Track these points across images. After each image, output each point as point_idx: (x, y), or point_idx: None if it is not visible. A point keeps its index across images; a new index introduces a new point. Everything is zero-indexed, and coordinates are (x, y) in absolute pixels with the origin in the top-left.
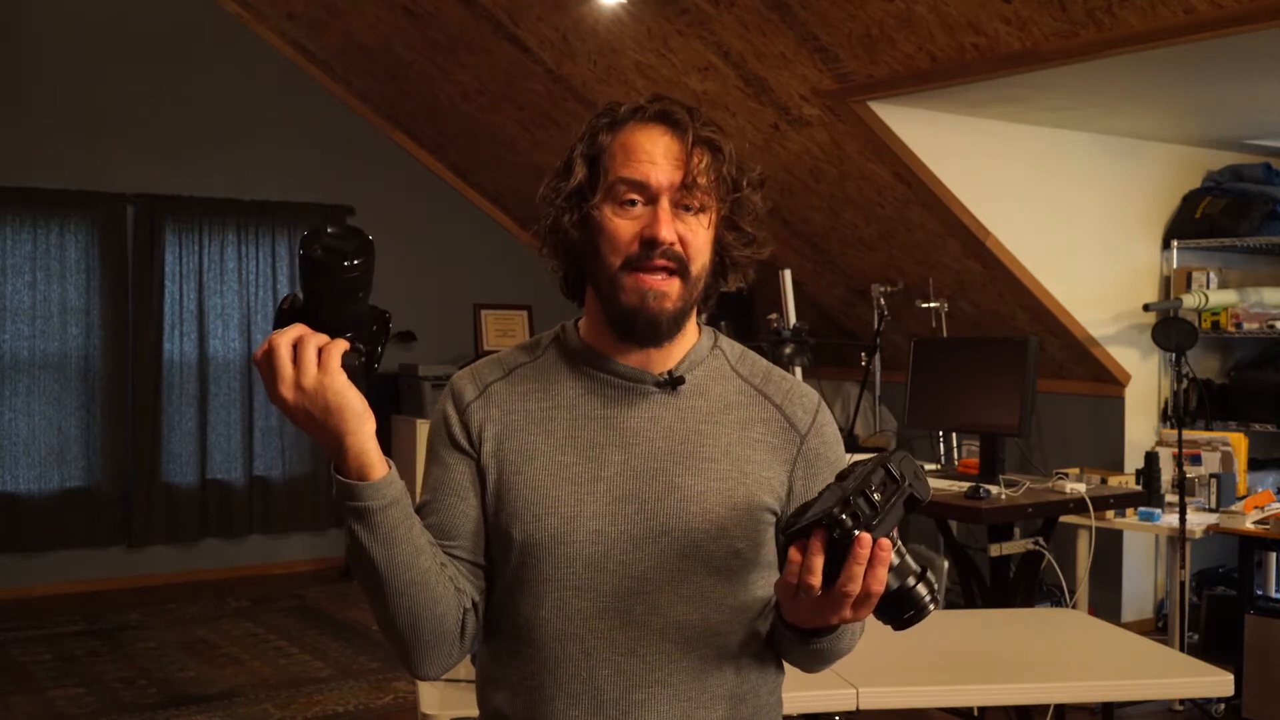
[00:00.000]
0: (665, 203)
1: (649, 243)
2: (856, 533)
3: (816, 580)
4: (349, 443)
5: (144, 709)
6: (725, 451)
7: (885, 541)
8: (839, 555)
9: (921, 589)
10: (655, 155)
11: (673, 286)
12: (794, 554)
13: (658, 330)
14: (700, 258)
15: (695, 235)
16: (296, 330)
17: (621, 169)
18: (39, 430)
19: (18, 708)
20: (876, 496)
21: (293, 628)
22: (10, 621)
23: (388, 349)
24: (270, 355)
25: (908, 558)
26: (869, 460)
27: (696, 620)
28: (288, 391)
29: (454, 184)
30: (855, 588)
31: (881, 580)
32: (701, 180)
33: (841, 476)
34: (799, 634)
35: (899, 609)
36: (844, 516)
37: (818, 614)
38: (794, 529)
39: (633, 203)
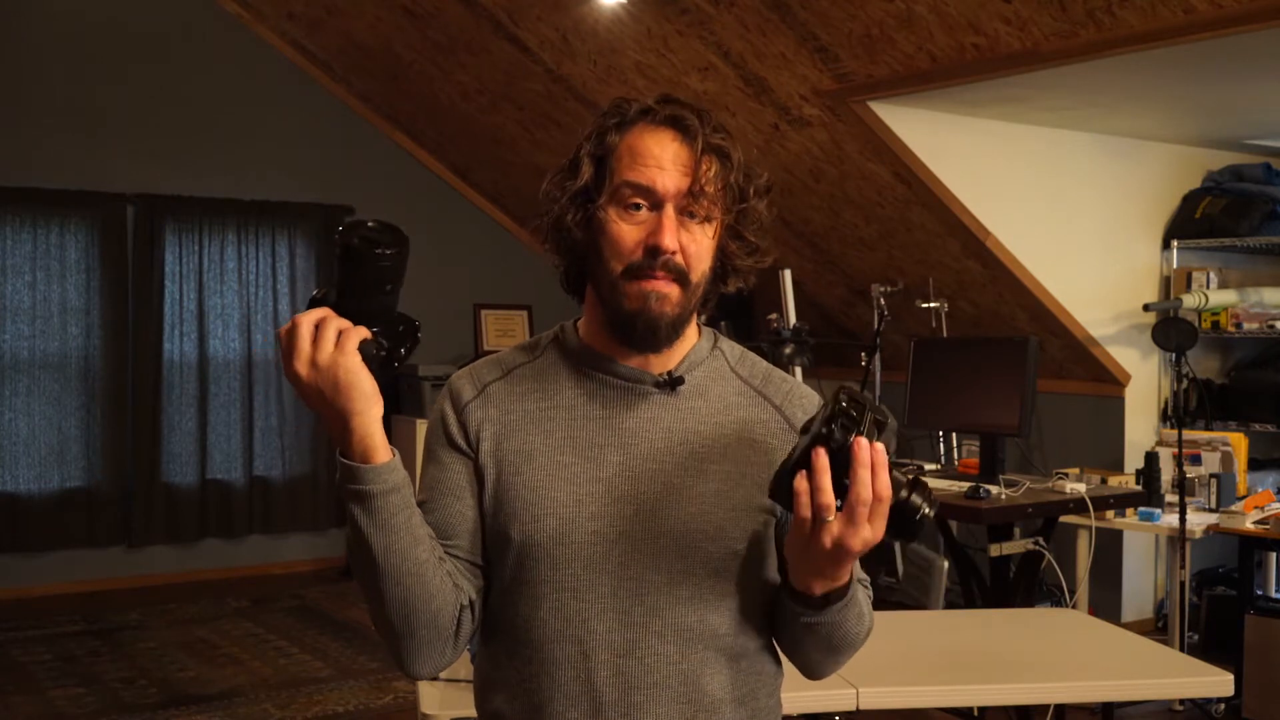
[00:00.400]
0: (670, 210)
1: (652, 250)
2: (853, 438)
3: (831, 499)
4: (355, 424)
5: (144, 709)
6: (724, 452)
7: (879, 445)
8: (841, 471)
9: (917, 497)
10: (663, 160)
11: (673, 290)
12: (800, 484)
13: (656, 334)
14: (700, 266)
15: (697, 244)
16: (320, 312)
17: (628, 172)
18: (39, 430)
19: (18, 708)
20: (853, 413)
21: (293, 628)
22: (10, 621)
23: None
24: (292, 331)
25: (894, 471)
26: (824, 403)
27: (695, 622)
28: (302, 367)
29: (454, 184)
30: (867, 493)
31: (887, 484)
32: (709, 189)
33: (805, 428)
34: (810, 607)
35: (906, 518)
36: (834, 429)
37: (837, 549)
38: (791, 463)
39: (637, 207)
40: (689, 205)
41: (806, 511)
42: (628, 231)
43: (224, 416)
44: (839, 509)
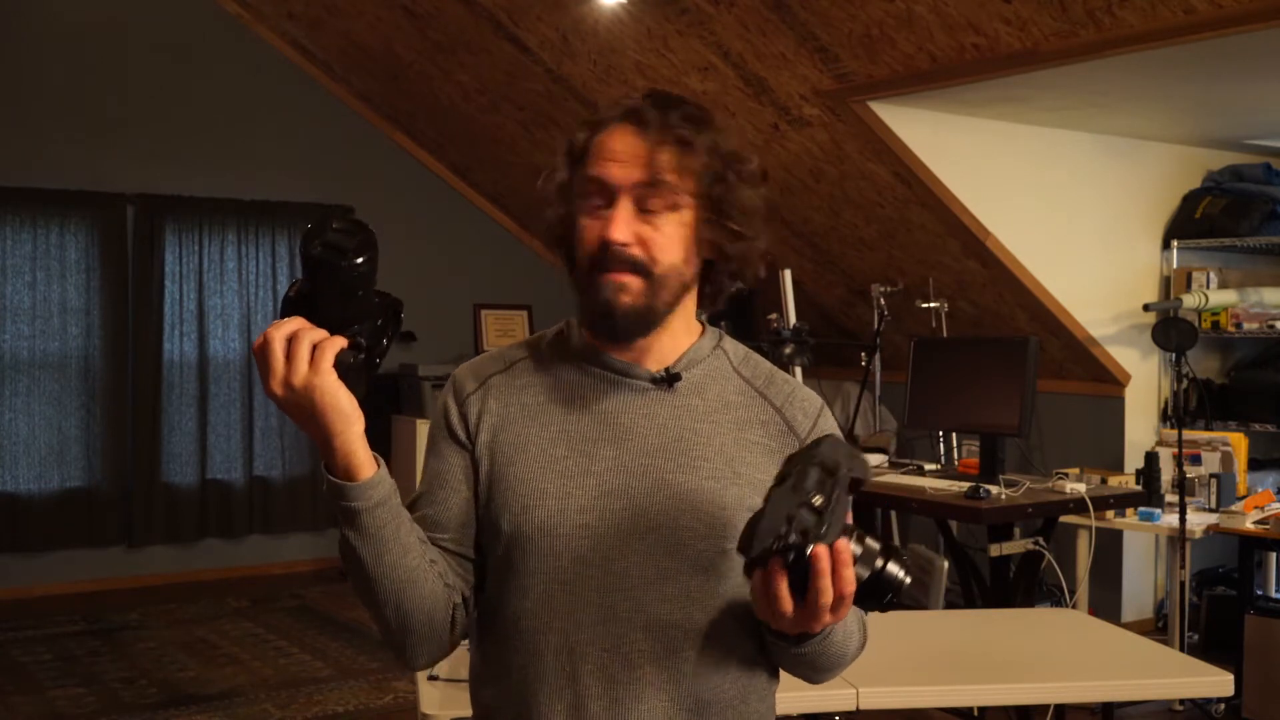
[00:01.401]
0: (624, 202)
1: (604, 244)
2: (809, 550)
3: (786, 605)
4: (336, 444)
5: (144, 709)
6: (719, 451)
7: (841, 544)
8: (801, 573)
9: (893, 567)
10: (618, 154)
11: (632, 281)
12: (756, 584)
13: (615, 324)
14: (666, 257)
15: (658, 233)
16: (293, 324)
17: (589, 168)
18: (39, 430)
19: (18, 708)
20: (817, 500)
21: (293, 628)
22: (10, 621)
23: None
24: (265, 348)
25: (868, 540)
26: (797, 461)
27: (681, 620)
28: (278, 387)
29: (454, 184)
30: (827, 598)
31: (850, 580)
32: (669, 178)
33: (780, 479)
34: (787, 641)
35: (878, 594)
36: (792, 539)
37: (801, 624)
38: (749, 559)
39: (598, 202)
40: (645, 196)
41: (764, 615)
42: (589, 226)
43: (224, 416)
44: (800, 603)
